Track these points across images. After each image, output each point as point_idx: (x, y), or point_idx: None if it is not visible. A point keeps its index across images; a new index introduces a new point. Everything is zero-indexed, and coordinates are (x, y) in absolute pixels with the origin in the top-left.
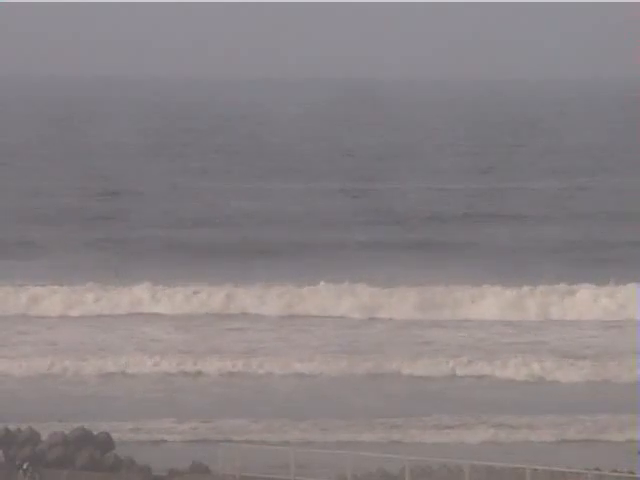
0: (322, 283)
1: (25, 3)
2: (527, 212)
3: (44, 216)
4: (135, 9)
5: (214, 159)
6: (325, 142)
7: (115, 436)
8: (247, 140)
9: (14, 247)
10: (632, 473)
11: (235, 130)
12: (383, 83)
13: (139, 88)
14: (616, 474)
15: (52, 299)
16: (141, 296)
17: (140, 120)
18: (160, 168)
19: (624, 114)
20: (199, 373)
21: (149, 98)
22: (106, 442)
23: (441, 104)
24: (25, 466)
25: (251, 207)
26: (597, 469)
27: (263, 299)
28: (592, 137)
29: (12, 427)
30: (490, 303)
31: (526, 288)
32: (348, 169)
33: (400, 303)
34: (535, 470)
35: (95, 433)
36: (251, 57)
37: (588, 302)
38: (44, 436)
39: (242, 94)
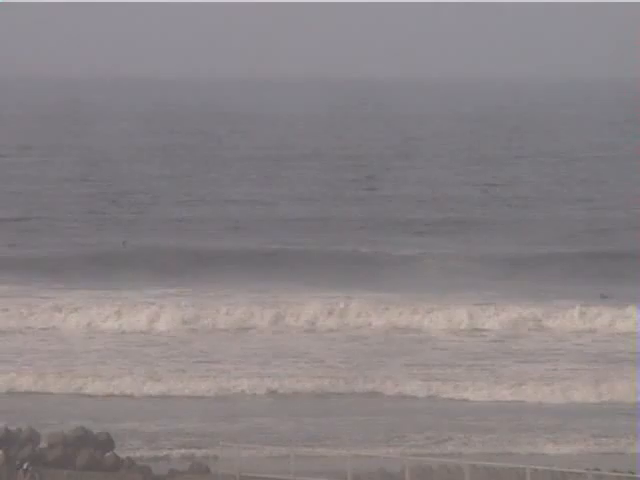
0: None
1: (25, 3)
2: (527, 215)
3: (45, 217)
4: (135, 9)
5: (213, 160)
6: (324, 143)
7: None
8: (246, 141)
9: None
10: (632, 473)
11: (234, 131)
12: (383, 83)
13: (138, 89)
14: (616, 474)
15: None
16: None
17: (140, 121)
18: (161, 169)
19: (626, 115)
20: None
21: (149, 99)
22: (106, 442)
23: (442, 105)
24: (25, 466)
25: (251, 208)
26: (597, 469)
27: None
28: (593, 139)
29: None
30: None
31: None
32: (348, 170)
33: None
34: (535, 470)
35: (95, 433)
36: (250, 58)
37: None
38: (44, 436)
39: (241, 95)
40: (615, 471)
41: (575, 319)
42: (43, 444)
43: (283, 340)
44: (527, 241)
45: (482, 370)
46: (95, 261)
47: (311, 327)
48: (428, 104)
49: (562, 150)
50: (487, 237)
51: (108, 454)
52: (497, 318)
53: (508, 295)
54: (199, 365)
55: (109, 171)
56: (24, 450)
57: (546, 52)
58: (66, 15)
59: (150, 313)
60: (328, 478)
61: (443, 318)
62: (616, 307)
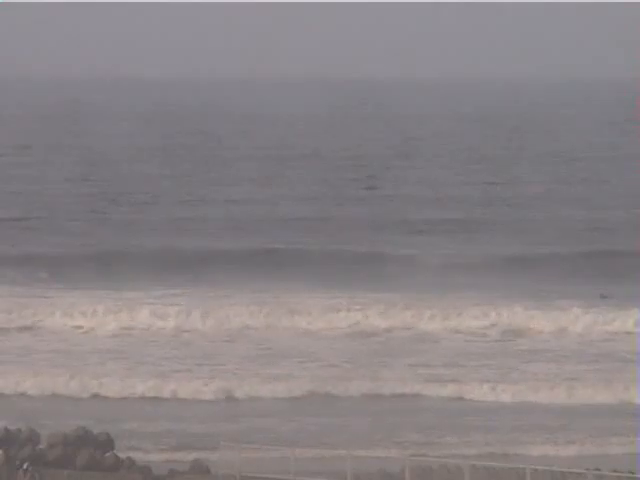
0: None
1: (25, 3)
2: (527, 215)
3: (46, 219)
4: (135, 9)
5: (213, 160)
6: (324, 143)
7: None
8: (246, 141)
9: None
10: (632, 473)
11: (234, 131)
12: (383, 83)
13: (138, 89)
14: (616, 474)
15: None
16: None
17: (140, 121)
18: (161, 169)
19: (626, 115)
20: None
21: (149, 99)
22: (106, 442)
23: (442, 105)
24: (25, 466)
25: (251, 208)
26: (597, 469)
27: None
28: (593, 139)
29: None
30: None
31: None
32: (348, 170)
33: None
34: (535, 470)
35: (95, 433)
36: (250, 58)
37: None
38: (44, 436)
39: (241, 95)
40: (615, 471)
41: (575, 319)
42: (43, 444)
43: (283, 340)
44: (527, 241)
45: (483, 370)
46: (95, 261)
47: (311, 327)
48: (428, 104)
49: (562, 150)
50: (487, 237)
51: (108, 454)
52: (497, 318)
53: (508, 295)
54: (200, 365)
55: (109, 171)
56: (24, 450)
57: (546, 52)
58: (66, 15)
59: (151, 313)
60: (328, 478)
61: (443, 318)
62: (616, 307)
